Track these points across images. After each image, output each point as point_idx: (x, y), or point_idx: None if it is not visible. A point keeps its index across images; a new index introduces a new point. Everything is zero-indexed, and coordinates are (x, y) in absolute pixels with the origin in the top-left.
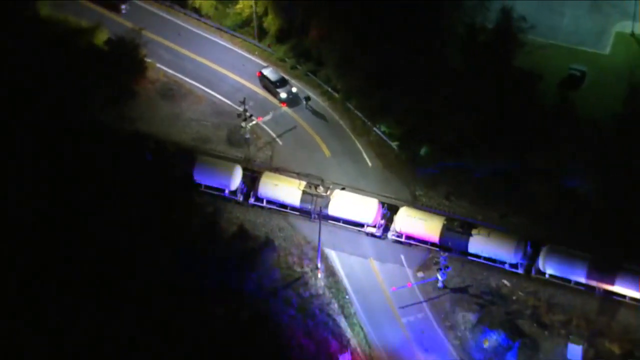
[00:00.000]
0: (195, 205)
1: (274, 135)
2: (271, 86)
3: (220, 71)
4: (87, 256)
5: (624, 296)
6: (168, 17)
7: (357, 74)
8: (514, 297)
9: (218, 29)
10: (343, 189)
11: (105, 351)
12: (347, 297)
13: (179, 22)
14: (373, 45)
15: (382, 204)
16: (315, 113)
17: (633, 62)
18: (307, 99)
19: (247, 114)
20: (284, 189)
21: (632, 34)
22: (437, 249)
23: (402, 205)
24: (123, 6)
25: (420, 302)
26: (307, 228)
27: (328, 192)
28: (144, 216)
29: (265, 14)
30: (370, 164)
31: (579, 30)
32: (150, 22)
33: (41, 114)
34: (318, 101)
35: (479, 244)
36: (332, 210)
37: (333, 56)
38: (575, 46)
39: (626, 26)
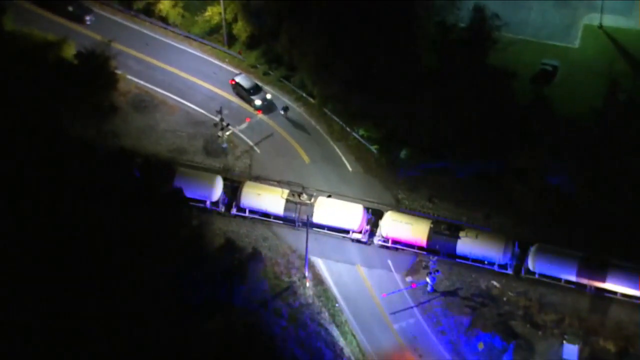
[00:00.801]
0: (181, 219)
1: (251, 144)
2: (245, 94)
3: (192, 80)
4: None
5: (615, 293)
6: (134, 26)
7: (333, 79)
8: (505, 298)
9: (186, 37)
10: (329, 196)
11: None
12: (337, 305)
13: (145, 31)
14: (347, 49)
15: (367, 209)
16: (292, 119)
17: (604, 55)
18: (285, 109)
19: (224, 123)
20: (267, 198)
21: (600, 26)
22: (424, 252)
23: (386, 210)
24: (87, 17)
25: (411, 307)
26: (291, 236)
27: (312, 200)
28: (133, 233)
29: (235, 20)
30: (350, 168)
31: (547, 24)
32: (116, 32)
33: (20, 130)
34: (293, 107)
35: (467, 246)
36: (317, 217)
37: (306, 61)
38: (544, 41)
39: (594, 18)
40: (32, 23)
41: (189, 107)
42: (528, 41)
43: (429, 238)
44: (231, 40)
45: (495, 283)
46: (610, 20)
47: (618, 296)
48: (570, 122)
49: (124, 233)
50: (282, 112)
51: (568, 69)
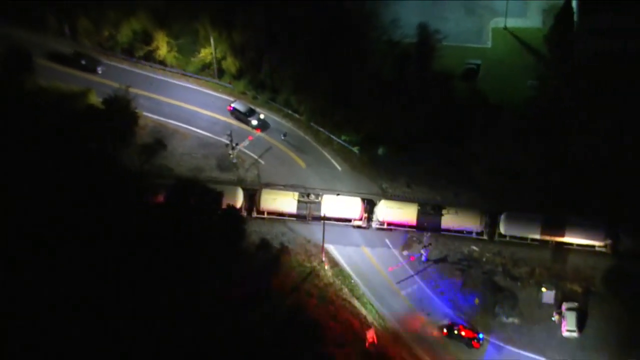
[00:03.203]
0: (236, 228)
1: (255, 157)
2: (242, 116)
3: (195, 110)
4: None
5: (571, 244)
6: (139, 71)
7: (313, 97)
8: (484, 259)
9: (183, 74)
10: (338, 194)
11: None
12: (352, 281)
13: (149, 74)
14: (321, 71)
15: (363, 200)
16: (288, 137)
17: (513, 51)
18: (285, 135)
19: (234, 143)
20: (282, 201)
21: (505, 28)
22: (414, 229)
23: (376, 199)
24: (99, 68)
25: (412, 276)
26: (304, 229)
27: (319, 198)
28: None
29: (224, 57)
30: (339, 168)
31: (461, 31)
32: (125, 78)
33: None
34: (282, 122)
35: (450, 221)
36: (325, 212)
37: (286, 85)
38: (462, 44)
39: (499, 22)
40: (54, 77)
41: (197, 132)
42: (450, 46)
43: (418, 218)
44: (220, 73)
45: (474, 247)
46: (512, 22)
47: (574, 247)
48: (504, 109)
49: (195, 244)
50: (282, 137)
51: (487, 65)
